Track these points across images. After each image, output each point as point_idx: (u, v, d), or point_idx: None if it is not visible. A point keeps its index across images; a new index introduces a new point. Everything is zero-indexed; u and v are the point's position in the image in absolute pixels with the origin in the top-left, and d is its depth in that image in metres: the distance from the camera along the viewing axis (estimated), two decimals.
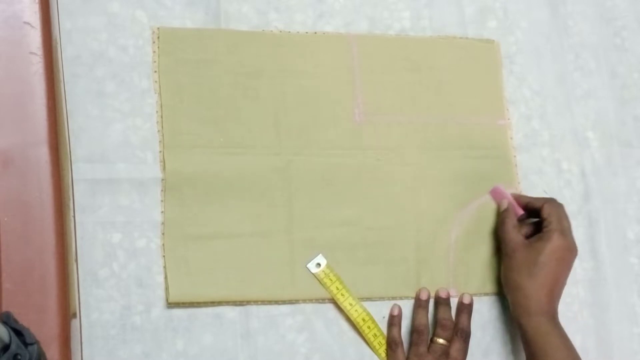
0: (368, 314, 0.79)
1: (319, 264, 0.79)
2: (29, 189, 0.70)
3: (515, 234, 0.81)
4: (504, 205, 0.84)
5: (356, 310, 0.79)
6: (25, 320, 0.58)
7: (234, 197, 0.79)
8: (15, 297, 0.67)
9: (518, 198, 0.84)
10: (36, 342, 0.58)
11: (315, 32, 0.86)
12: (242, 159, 0.80)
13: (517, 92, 0.91)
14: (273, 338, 0.77)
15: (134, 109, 0.78)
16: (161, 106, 0.79)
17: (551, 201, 0.82)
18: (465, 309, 0.81)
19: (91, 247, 0.74)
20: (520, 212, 0.84)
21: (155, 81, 0.80)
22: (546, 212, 0.81)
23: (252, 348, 0.76)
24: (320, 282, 0.79)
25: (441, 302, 0.81)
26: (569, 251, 0.80)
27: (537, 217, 0.83)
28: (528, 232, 0.83)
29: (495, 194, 0.85)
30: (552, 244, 0.78)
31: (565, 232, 0.80)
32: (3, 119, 0.71)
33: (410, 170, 0.85)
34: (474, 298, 0.82)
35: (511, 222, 0.82)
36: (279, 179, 0.80)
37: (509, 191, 0.85)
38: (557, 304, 0.79)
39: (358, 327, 0.79)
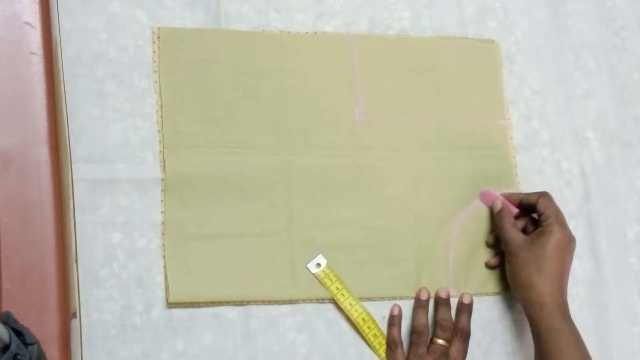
0: (368, 314, 0.79)
1: (319, 264, 0.80)
2: (29, 189, 0.70)
3: (515, 233, 0.81)
4: (498, 205, 0.84)
5: (356, 310, 0.79)
6: (25, 320, 0.58)
7: (234, 197, 0.79)
8: (15, 297, 0.67)
9: (509, 197, 0.85)
10: (36, 342, 0.58)
11: (315, 32, 0.86)
12: (242, 159, 0.80)
13: (517, 92, 0.91)
14: (273, 338, 0.77)
15: (134, 109, 0.78)
16: (161, 106, 0.79)
17: (544, 195, 0.82)
18: (465, 309, 0.81)
19: (91, 247, 0.74)
20: (515, 210, 0.84)
21: (155, 81, 0.80)
22: (542, 206, 0.81)
23: (252, 348, 0.76)
24: (320, 282, 0.79)
25: (441, 303, 0.81)
26: (570, 242, 0.80)
27: (530, 213, 0.84)
28: (524, 228, 0.84)
29: (485, 197, 0.85)
30: (555, 237, 0.79)
31: (564, 224, 0.80)
32: (3, 119, 0.71)
33: (410, 170, 0.85)
34: (474, 298, 0.82)
35: (509, 222, 0.82)
36: (279, 179, 0.80)
37: (504, 191, 0.86)
38: (566, 296, 0.79)
39: (358, 327, 0.79)
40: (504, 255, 0.83)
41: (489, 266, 0.84)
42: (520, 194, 0.85)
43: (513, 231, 0.81)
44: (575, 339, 0.76)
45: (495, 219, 0.84)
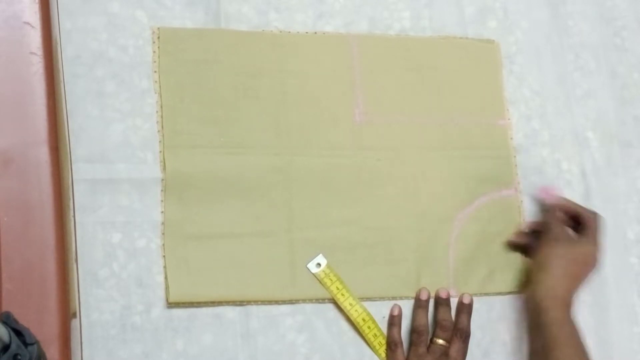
0: (368, 314, 0.79)
1: (319, 264, 0.80)
2: (29, 189, 0.70)
3: (559, 225, 0.83)
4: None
5: (356, 310, 0.79)
6: (25, 320, 0.58)
7: (234, 197, 0.79)
8: (15, 297, 0.67)
9: (567, 203, 0.86)
10: (36, 342, 0.58)
11: (315, 32, 0.86)
12: (242, 159, 0.80)
13: (517, 92, 0.91)
14: (273, 338, 0.77)
15: (134, 109, 0.78)
16: (161, 106, 0.79)
17: (601, 217, 0.85)
18: (465, 309, 0.81)
19: (91, 247, 0.74)
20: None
21: (155, 81, 0.80)
22: (594, 223, 0.84)
23: (252, 348, 0.76)
24: (321, 282, 0.79)
25: (441, 303, 0.81)
26: (596, 263, 0.83)
27: (575, 225, 0.85)
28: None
29: (544, 192, 0.88)
30: (594, 246, 0.82)
31: (601, 247, 0.83)
32: (3, 119, 0.71)
33: (410, 170, 0.85)
34: (474, 298, 0.82)
35: (559, 214, 0.84)
36: (279, 179, 0.80)
37: (504, 191, 0.87)
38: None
39: (358, 327, 0.79)
40: (520, 240, 0.85)
41: (509, 243, 0.85)
42: (578, 205, 0.86)
43: (558, 222, 0.84)
44: (579, 334, 0.78)
45: (547, 206, 0.86)
